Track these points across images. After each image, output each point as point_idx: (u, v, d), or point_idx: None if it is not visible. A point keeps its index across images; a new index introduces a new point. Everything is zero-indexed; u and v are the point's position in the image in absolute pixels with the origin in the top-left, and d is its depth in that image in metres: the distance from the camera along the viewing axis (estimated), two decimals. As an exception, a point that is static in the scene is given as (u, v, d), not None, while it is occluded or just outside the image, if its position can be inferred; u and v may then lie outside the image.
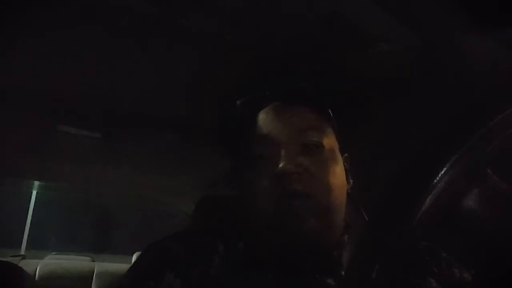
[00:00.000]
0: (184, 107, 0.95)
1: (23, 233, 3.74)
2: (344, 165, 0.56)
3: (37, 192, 3.80)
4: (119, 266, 2.51)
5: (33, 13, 0.63)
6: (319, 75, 0.70)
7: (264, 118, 0.54)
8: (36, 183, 2.46)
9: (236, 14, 0.61)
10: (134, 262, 0.51)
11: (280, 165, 0.48)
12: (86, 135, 1.10)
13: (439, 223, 0.34)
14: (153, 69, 0.79)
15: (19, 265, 1.95)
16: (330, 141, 0.54)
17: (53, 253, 2.80)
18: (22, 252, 3.20)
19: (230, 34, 0.66)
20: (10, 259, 2.19)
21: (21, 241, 3.68)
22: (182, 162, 1.32)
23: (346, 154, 0.58)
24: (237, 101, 0.57)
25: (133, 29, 0.66)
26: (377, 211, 0.37)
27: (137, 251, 2.29)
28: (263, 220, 0.49)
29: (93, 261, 2.60)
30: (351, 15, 0.59)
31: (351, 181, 0.57)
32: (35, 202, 3.89)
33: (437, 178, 0.31)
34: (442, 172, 0.31)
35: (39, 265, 2.27)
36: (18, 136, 1.15)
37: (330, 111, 0.57)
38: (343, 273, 0.50)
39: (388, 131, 0.87)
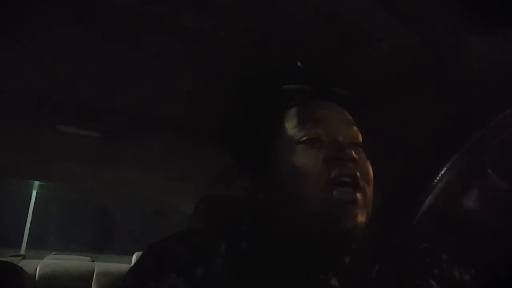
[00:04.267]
0: (185, 107, 0.95)
1: (23, 233, 3.73)
2: None
3: (37, 192, 3.80)
4: (119, 266, 2.50)
5: (33, 13, 0.63)
6: (319, 74, 0.70)
7: (316, 106, 0.54)
8: (36, 183, 2.46)
9: (236, 14, 0.61)
10: (135, 262, 0.50)
11: (341, 149, 0.48)
12: (86, 135, 1.10)
13: (439, 223, 0.34)
14: (153, 69, 0.79)
15: (19, 265, 1.95)
16: (363, 145, 0.54)
17: (53, 253, 2.79)
18: (22, 252, 3.19)
19: (230, 34, 0.66)
20: (10, 259, 2.18)
21: (21, 241, 3.67)
22: (183, 162, 1.32)
23: None
24: (284, 86, 0.56)
25: (133, 29, 0.65)
26: (377, 211, 0.37)
27: (137, 251, 2.29)
28: (309, 208, 0.48)
29: (93, 261, 2.60)
30: (351, 15, 0.59)
31: None
32: (35, 202, 3.89)
33: (437, 178, 0.31)
34: (442, 172, 0.31)
35: (39, 265, 2.27)
36: (18, 136, 1.15)
37: (359, 119, 0.57)
38: (345, 273, 0.49)
39: (388, 131, 0.87)
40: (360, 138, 0.53)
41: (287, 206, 0.51)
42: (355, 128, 0.53)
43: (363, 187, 0.48)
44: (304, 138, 0.51)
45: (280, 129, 0.54)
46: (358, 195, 0.47)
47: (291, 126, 0.53)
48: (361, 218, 0.47)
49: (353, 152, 0.49)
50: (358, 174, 0.48)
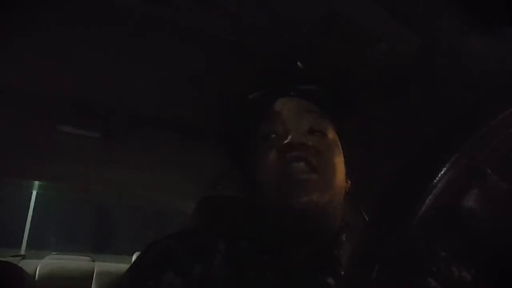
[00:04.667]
0: (185, 107, 0.95)
1: (23, 233, 3.73)
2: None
3: (37, 192, 3.80)
4: (119, 266, 2.51)
5: (34, 13, 0.63)
6: (319, 75, 0.70)
7: (275, 105, 0.57)
8: (36, 183, 2.46)
9: (236, 15, 0.61)
10: (134, 261, 0.51)
11: (289, 137, 0.51)
12: (86, 135, 1.10)
13: (439, 223, 0.34)
14: (153, 69, 0.79)
15: (19, 265, 1.95)
16: (333, 135, 0.56)
17: (53, 253, 2.80)
18: (22, 252, 3.19)
19: (230, 35, 0.66)
20: (10, 259, 2.19)
21: (21, 241, 3.67)
22: (182, 162, 1.32)
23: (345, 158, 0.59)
24: (250, 96, 0.60)
25: (133, 29, 0.66)
26: (377, 211, 0.37)
27: (137, 251, 2.29)
28: (267, 192, 0.51)
29: (93, 261, 2.60)
30: (351, 15, 0.59)
31: (349, 181, 0.58)
32: (35, 202, 3.89)
33: (437, 178, 0.31)
34: (442, 172, 0.31)
35: (39, 265, 2.27)
36: (18, 136, 1.15)
37: (334, 113, 0.59)
38: (342, 272, 0.50)
39: (388, 130, 0.87)
40: (323, 126, 0.55)
41: (262, 202, 0.53)
42: (315, 116, 0.55)
43: (319, 168, 0.50)
44: (263, 135, 0.54)
45: (251, 130, 0.57)
46: (312, 175, 0.49)
47: (256, 127, 0.56)
48: (318, 196, 0.48)
49: (306, 138, 0.51)
50: (311, 158, 0.50)
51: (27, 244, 3.67)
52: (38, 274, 2.21)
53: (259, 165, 0.53)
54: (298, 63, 0.66)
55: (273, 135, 0.54)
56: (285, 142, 0.51)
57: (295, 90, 0.58)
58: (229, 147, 0.64)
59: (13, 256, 2.49)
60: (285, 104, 0.56)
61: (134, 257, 2.35)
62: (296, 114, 0.55)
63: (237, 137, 0.60)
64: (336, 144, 0.56)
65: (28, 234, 3.75)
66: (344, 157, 0.58)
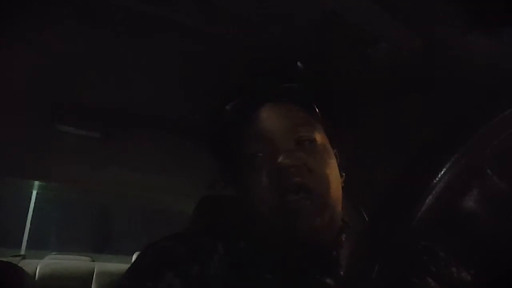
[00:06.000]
0: (184, 107, 0.95)
1: (23, 233, 3.74)
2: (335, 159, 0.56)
3: (37, 192, 3.81)
4: (119, 266, 2.51)
5: (33, 13, 0.63)
6: (319, 75, 0.70)
7: (257, 118, 0.55)
8: (36, 183, 2.46)
9: (235, 14, 0.61)
10: (133, 262, 0.51)
11: (278, 160, 0.49)
12: (86, 135, 1.10)
13: (438, 223, 0.34)
14: (153, 69, 0.79)
15: (19, 265, 1.95)
16: (321, 136, 0.55)
17: (53, 253, 2.80)
18: (22, 252, 3.20)
19: (230, 34, 0.66)
20: (10, 259, 2.19)
21: (21, 241, 3.68)
22: (182, 162, 1.32)
23: (335, 150, 0.58)
24: (227, 106, 0.57)
25: (133, 29, 0.66)
26: (377, 211, 0.37)
27: (137, 251, 2.29)
28: (264, 219, 0.50)
29: (93, 261, 2.60)
30: (351, 15, 0.59)
31: (343, 174, 0.57)
32: (35, 202, 3.90)
33: (437, 178, 0.31)
34: (442, 172, 0.31)
35: (39, 265, 2.27)
36: (18, 136, 1.15)
37: (317, 108, 0.58)
38: (342, 273, 0.50)
39: (388, 130, 0.87)
40: (313, 133, 0.53)
41: (252, 213, 0.52)
42: (303, 127, 0.53)
43: (314, 190, 0.48)
44: (248, 155, 0.52)
45: (233, 143, 0.55)
46: (309, 200, 0.48)
47: (239, 142, 0.54)
48: (318, 220, 0.47)
49: (295, 155, 0.49)
50: (305, 180, 0.48)
51: (27, 244, 3.68)
52: (38, 274, 2.21)
53: (250, 185, 0.51)
54: (298, 63, 0.66)
55: (260, 154, 0.51)
56: (276, 164, 0.48)
57: (275, 91, 0.56)
58: (217, 154, 0.62)
59: (13, 256, 2.49)
60: (267, 117, 0.54)
61: (134, 257, 2.35)
62: (280, 127, 0.52)
63: (222, 147, 0.59)
64: (325, 148, 0.54)
65: (28, 234, 3.76)
66: (336, 153, 0.57)
